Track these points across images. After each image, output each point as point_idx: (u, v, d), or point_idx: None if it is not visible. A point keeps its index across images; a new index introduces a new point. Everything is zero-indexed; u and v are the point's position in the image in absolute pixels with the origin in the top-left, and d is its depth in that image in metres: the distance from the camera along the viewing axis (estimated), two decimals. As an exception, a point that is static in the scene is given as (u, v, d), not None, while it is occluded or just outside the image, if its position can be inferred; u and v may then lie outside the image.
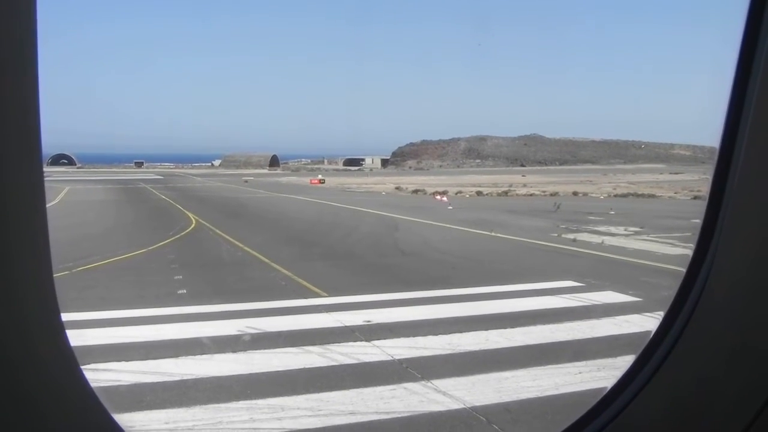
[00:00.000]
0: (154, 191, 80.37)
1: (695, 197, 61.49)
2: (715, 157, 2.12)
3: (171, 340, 13.60)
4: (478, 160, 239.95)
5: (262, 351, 12.81)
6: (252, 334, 13.93)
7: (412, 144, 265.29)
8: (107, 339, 13.58)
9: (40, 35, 1.66)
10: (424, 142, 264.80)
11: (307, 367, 11.85)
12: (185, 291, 18.77)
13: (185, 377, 11.30)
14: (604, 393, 2.33)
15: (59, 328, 1.86)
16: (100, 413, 1.94)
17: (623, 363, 2.28)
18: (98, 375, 11.36)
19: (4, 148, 1.64)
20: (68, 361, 1.86)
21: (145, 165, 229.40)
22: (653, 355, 2.19)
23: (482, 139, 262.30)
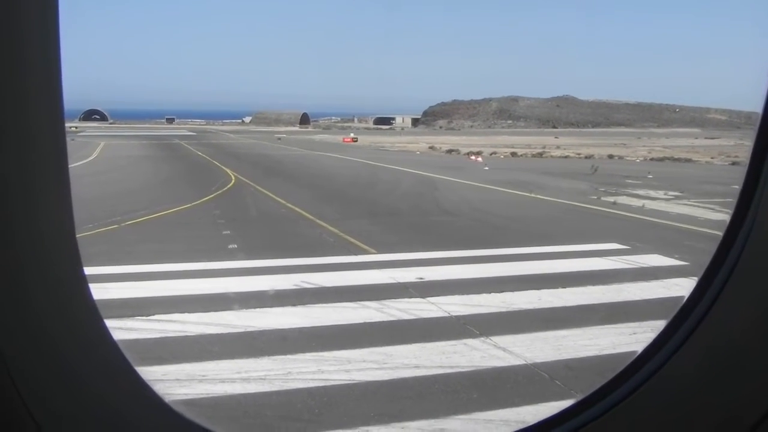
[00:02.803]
0: (189, 147, 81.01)
1: (733, 163, 60.58)
2: (758, 121, 2.04)
3: (229, 293, 13.94)
4: (509, 121, 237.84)
5: (320, 305, 13.09)
6: (307, 289, 14.24)
7: (443, 104, 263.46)
8: (167, 291, 13.95)
9: None
10: (455, 102, 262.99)
11: (367, 321, 12.13)
12: (236, 246, 19.07)
13: (249, 329, 11.62)
14: (635, 356, 2.26)
15: (83, 282, 1.87)
16: (122, 362, 1.97)
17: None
18: (164, 326, 11.72)
19: (27, 106, 1.66)
20: (92, 313, 1.89)
21: (176, 121, 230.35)
22: (687, 319, 2.15)
23: (514, 99, 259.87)
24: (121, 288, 13.84)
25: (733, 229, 2.09)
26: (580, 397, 2.26)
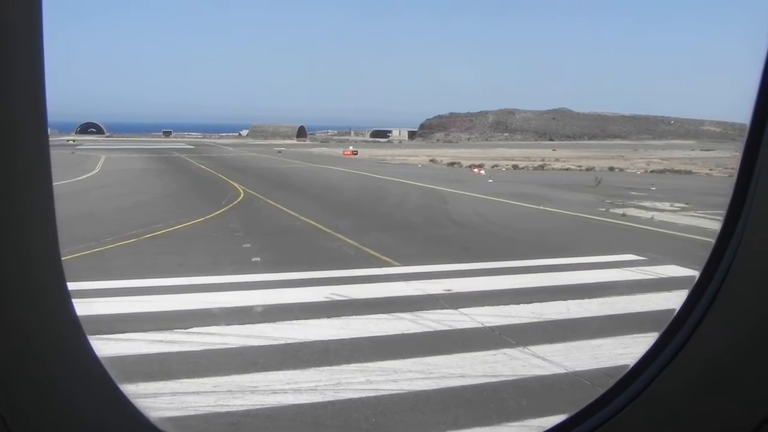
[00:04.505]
0: (191, 161, 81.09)
1: (731, 174, 60.61)
2: (745, 134, 2.10)
3: (262, 306, 14.06)
4: (506, 134, 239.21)
5: (355, 317, 13.27)
6: (339, 301, 14.42)
7: (440, 116, 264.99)
8: (199, 304, 14.13)
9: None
10: (451, 115, 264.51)
11: (404, 332, 12.30)
12: (259, 259, 19.26)
13: (289, 341, 11.76)
14: (628, 369, 2.28)
15: (66, 297, 1.85)
16: (104, 378, 1.95)
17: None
18: (204, 338, 11.85)
19: (10, 117, 1.64)
20: (74, 329, 1.87)
21: (173, 134, 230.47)
22: (678, 331, 2.17)
23: (510, 112, 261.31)
24: (152, 301, 14.06)
25: (723, 240, 2.14)
26: (571, 412, 2.29)
